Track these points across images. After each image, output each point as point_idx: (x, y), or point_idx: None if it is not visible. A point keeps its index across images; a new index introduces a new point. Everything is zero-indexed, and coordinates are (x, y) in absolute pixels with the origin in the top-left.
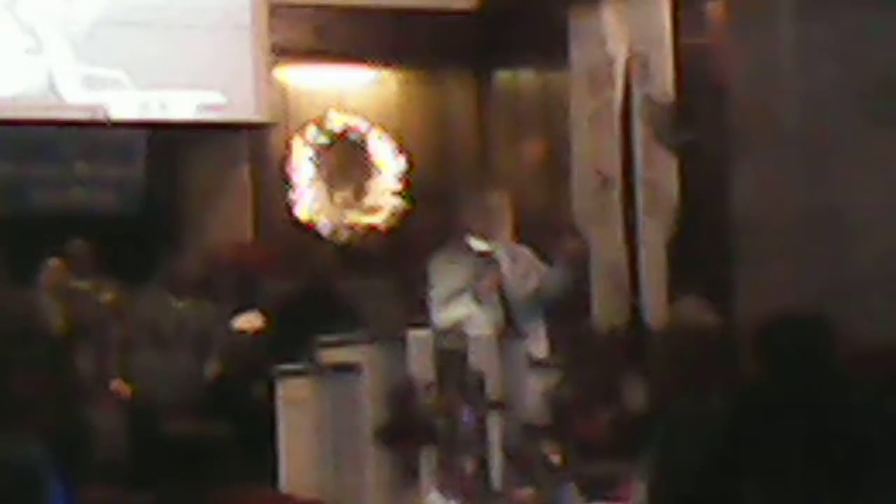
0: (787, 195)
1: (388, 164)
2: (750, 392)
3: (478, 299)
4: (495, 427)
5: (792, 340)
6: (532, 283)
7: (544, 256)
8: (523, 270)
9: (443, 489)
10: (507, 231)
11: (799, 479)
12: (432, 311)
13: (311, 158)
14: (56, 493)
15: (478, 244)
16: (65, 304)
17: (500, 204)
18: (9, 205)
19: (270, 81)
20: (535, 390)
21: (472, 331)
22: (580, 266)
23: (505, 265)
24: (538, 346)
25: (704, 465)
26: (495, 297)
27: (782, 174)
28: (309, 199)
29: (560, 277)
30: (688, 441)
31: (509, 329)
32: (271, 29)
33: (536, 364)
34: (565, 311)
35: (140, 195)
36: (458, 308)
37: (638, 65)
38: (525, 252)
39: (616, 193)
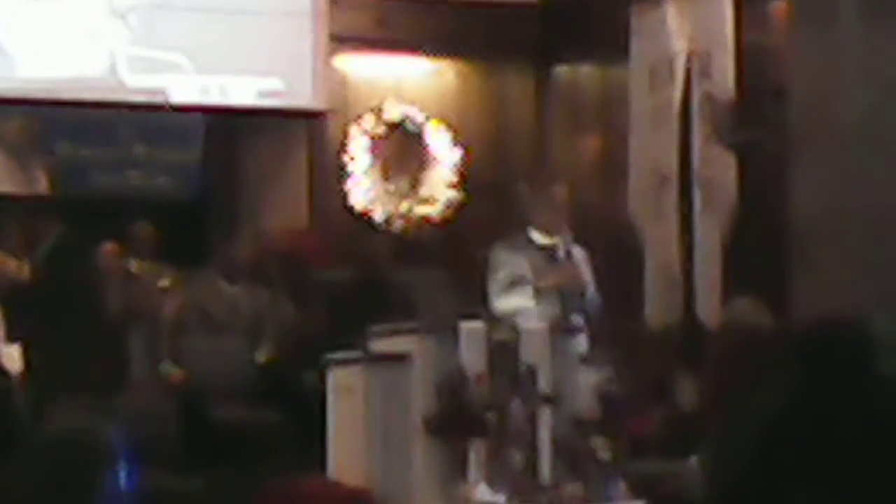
0: (847, 197)
1: (444, 155)
2: (795, 396)
3: (538, 294)
4: (545, 421)
5: (826, 348)
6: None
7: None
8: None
9: (491, 481)
10: (566, 226)
11: (847, 486)
12: (491, 297)
13: (367, 147)
14: (124, 472)
15: (540, 238)
16: (120, 287)
17: (564, 198)
18: (67, 186)
19: (330, 70)
20: (586, 385)
21: (526, 323)
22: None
23: (565, 261)
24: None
25: (757, 466)
26: (555, 294)
27: (842, 175)
28: (364, 188)
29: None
30: (741, 441)
31: (562, 323)
32: (332, 17)
33: (588, 359)
34: (618, 307)
35: (197, 180)
36: (517, 297)
37: (699, 62)
38: (580, 252)
39: (673, 191)
